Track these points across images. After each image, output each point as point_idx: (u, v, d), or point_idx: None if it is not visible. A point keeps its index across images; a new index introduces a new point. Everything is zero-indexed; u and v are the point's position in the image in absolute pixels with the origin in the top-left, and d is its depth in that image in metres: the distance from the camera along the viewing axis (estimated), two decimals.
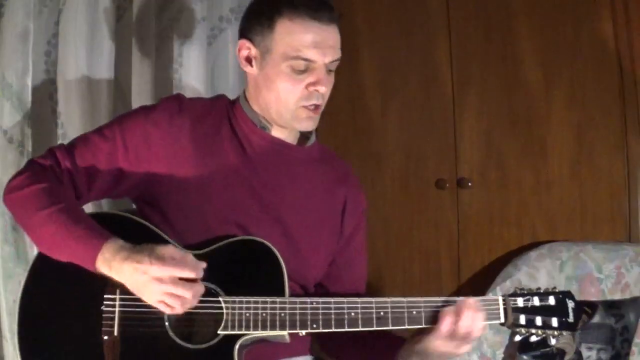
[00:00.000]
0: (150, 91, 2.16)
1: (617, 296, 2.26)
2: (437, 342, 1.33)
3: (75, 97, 2.06)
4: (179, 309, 1.28)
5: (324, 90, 1.44)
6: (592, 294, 2.28)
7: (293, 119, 1.46)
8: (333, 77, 1.47)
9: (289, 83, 1.42)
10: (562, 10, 2.50)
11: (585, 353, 2.20)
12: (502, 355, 2.37)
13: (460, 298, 1.35)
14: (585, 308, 2.25)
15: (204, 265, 1.31)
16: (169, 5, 2.18)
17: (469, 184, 2.64)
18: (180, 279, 1.28)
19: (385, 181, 2.80)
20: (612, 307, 2.24)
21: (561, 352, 2.22)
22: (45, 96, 2.11)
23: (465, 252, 2.68)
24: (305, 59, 1.40)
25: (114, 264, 1.28)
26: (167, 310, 1.29)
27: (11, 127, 1.99)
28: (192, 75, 2.15)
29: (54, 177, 1.41)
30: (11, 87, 1.98)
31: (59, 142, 2.06)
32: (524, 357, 2.27)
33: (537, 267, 2.37)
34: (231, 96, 1.60)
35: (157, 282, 1.26)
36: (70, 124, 2.06)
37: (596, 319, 2.22)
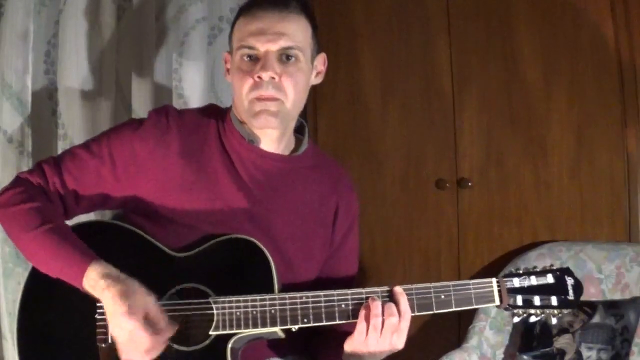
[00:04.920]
0: (151, 91, 2.16)
1: (617, 296, 2.26)
2: (358, 339, 1.32)
3: (76, 97, 2.06)
4: (124, 356, 1.29)
5: (269, 75, 1.39)
6: (592, 294, 2.28)
7: (250, 116, 1.43)
8: (295, 69, 1.42)
9: (240, 75, 1.42)
10: (562, 10, 2.50)
11: (585, 353, 2.20)
12: (502, 355, 2.37)
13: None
14: (585, 308, 2.26)
15: (169, 334, 1.30)
16: (169, 5, 2.17)
17: (469, 184, 2.64)
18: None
19: (385, 181, 2.80)
20: (612, 307, 2.24)
21: (561, 352, 2.22)
22: (45, 96, 2.11)
23: (465, 252, 2.68)
24: (248, 47, 1.40)
25: (97, 289, 1.30)
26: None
27: (11, 127, 1.99)
28: (192, 75, 2.15)
29: (42, 195, 1.41)
30: (11, 87, 1.98)
31: (59, 142, 2.06)
32: (524, 357, 2.27)
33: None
34: (230, 99, 1.59)
35: (118, 327, 1.27)
36: (71, 124, 2.06)
37: (596, 319, 2.22)
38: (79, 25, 2.05)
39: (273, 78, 1.40)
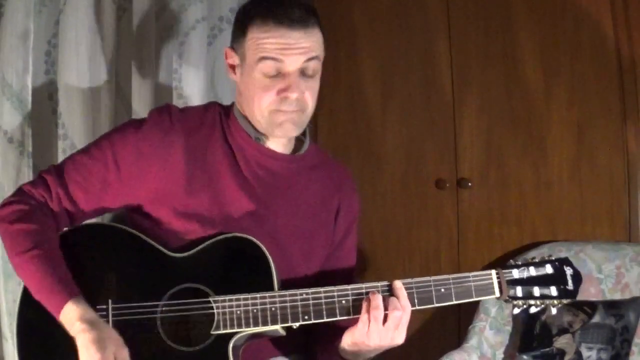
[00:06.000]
0: (151, 91, 2.15)
1: (617, 296, 2.26)
2: (361, 331, 1.33)
3: (76, 97, 2.06)
4: None
5: (296, 96, 1.40)
6: (592, 294, 2.28)
7: (270, 125, 1.43)
8: (315, 82, 1.44)
9: (260, 89, 1.40)
10: (562, 9, 2.50)
11: (585, 353, 2.20)
12: (502, 355, 2.37)
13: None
14: (585, 308, 2.26)
15: None
16: (169, 5, 2.17)
17: (469, 184, 2.64)
18: None
19: (385, 181, 2.80)
20: (612, 307, 2.24)
21: (561, 352, 2.22)
22: (45, 96, 2.11)
23: (465, 252, 2.68)
24: (273, 59, 1.38)
25: (72, 330, 1.30)
26: None
27: (11, 127, 1.99)
28: (192, 75, 2.15)
29: (42, 213, 1.40)
30: (11, 87, 1.98)
31: (59, 142, 2.05)
32: (524, 357, 2.27)
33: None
34: (231, 98, 1.58)
35: None
36: (71, 124, 2.06)
37: (596, 319, 2.22)
38: (79, 25, 2.05)
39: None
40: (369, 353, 1.38)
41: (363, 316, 1.32)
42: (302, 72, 1.41)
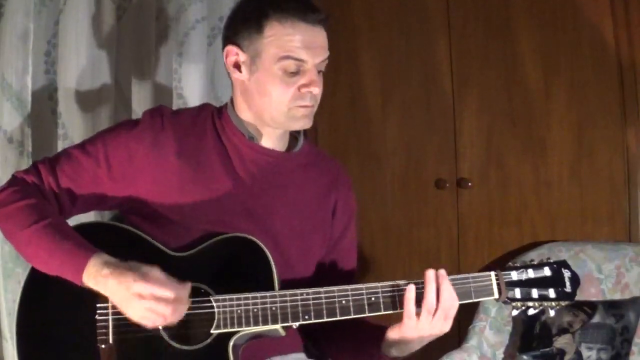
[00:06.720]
0: (150, 91, 2.16)
1: (617, 296, 2.26)
2: (410, 325, 1.34)
3: (76, 97, 2.06)
4: (160, 324, 1.30)
5: (317, 91, 1.43)
6: (592, 294, 2.28)
7: (288, 120, 1.44)
8: (322, 78, 1.47)
9: (281, 86, 1.41)
10: (562, 10, 2.51)
11: (585, 353, 2.20)
12: (502, 355, 2.37)
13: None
14: (585, 308, 2.26)
15: (188, 288, 1.31)
16: (169, 5, 2.17)
17: (469, 184, 2.65)
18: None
19: (385, 181, 2.80)
20: (612, 307, 2.24)
21: (561, 352, 2.22)
22: (45, 96, 2.11)
23: (465, 252, 2.68)
24: (297, 59, 1.40)
25: (99, 279, 1.30)
26: (149, 325, 1.30)
27: (11, 127, 1.99)
28: (192, 75, 2.15)
29: (38, 192, 1.41)
30: (11, 87, 1.98)
31: (59, 142, 2.05)
32: (524, 357, 2.27)
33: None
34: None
35: (138, 298, 1.27)
36: (71, 124, 2.06)
37: (596, 319, 2.22)
38: (79, 25, 2.05)
39: None
40: (419, 344, 1.39)
41: (409, 311, 1.33)
42: (317, 67, 1.43)
